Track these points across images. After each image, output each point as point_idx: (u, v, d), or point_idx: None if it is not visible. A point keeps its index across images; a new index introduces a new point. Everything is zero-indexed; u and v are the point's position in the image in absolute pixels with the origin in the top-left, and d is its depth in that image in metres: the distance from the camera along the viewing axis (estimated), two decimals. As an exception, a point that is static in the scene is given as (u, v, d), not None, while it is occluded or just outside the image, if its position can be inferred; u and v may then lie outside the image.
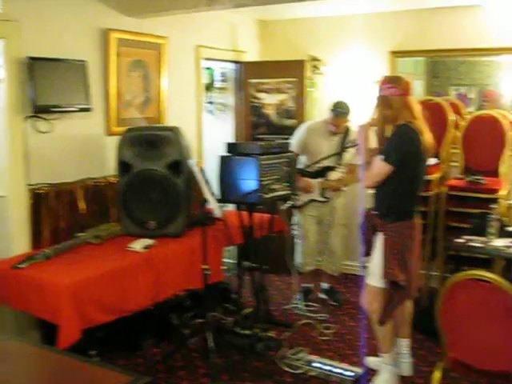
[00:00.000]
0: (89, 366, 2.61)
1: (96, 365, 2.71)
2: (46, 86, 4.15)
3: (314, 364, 4.19)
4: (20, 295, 3.68)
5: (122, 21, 4.87)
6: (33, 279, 3.63)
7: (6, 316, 4.02)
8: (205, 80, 6.24)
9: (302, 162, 5.25)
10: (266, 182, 4.39)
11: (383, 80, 3.77)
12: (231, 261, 6.00)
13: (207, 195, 4.09)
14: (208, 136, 6.03)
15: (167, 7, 4.74)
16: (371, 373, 3.99)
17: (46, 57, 4.18)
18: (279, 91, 6.28)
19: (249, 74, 6.40)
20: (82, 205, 4.45)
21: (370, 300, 3.86)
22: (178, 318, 4.62)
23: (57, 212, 4.28)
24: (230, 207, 4.98)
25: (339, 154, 5.13)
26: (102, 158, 4.77)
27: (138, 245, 4.13)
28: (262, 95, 6.35)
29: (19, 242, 4.12)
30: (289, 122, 6.24)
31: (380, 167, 3.67)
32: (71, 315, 3.42)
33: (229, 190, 4.49)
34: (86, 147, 4.65)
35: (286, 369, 4.18)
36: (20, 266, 3.73)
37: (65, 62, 4.33)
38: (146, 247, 4.13)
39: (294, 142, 5.21)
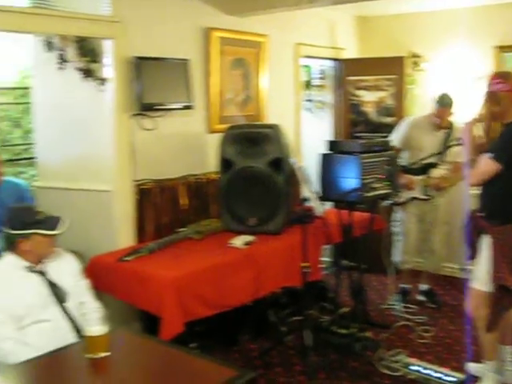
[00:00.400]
0: (194, 359, 2.68)
1: (201, 357, 2.75)
2: (151, 84, 4.26)
3: (412, 367, 4.09)
4: (125, 287, 3.80)
5: (223, 19, 4.94)
6: (138, 272, 3.74)
7: (111, 306, 4.16)
8: (303, 78, 6.23)
9: (404, 157, 5.17)
10: (367, 181, 4.33)
11: (493, 75, 3.65)
12: (328, 259, 5.97)
13: (308, 193, 4.08)
14: (306, 134, 6.03)
15: (268, 5, 4.77)
16: (473, 379, 3.86)
17: (151, 56, 4.29)
18: (378, 88, 6.19)
19: (347, 71, 6.33)
20: (183, 201, 4.55)
21: (477, 305, 3.72)
22: (276, 314, 4.64)
23: (160, 207, 4.40)
24: (328, 205, 4.95)
25: (443, 152, 5.00)
26: (203, 155, 4.86)
27: (239, 241, 4.17)
28: (360, 93, 6.27)
29: (125, 236, 4.26)
30: (388, 120, 6.14)
31: (487, 165, 3.54)
32: (174, 308, 3.49)
33: (329, 188, 4.46)
34: (188, 144, 4.75)
35: (385, 371, 4.10)
36: (126, 258, 3.85)
37: (168, 60, 4.44)
38: (247, 243, 4.17)
39: (397, 136, 5.14)
